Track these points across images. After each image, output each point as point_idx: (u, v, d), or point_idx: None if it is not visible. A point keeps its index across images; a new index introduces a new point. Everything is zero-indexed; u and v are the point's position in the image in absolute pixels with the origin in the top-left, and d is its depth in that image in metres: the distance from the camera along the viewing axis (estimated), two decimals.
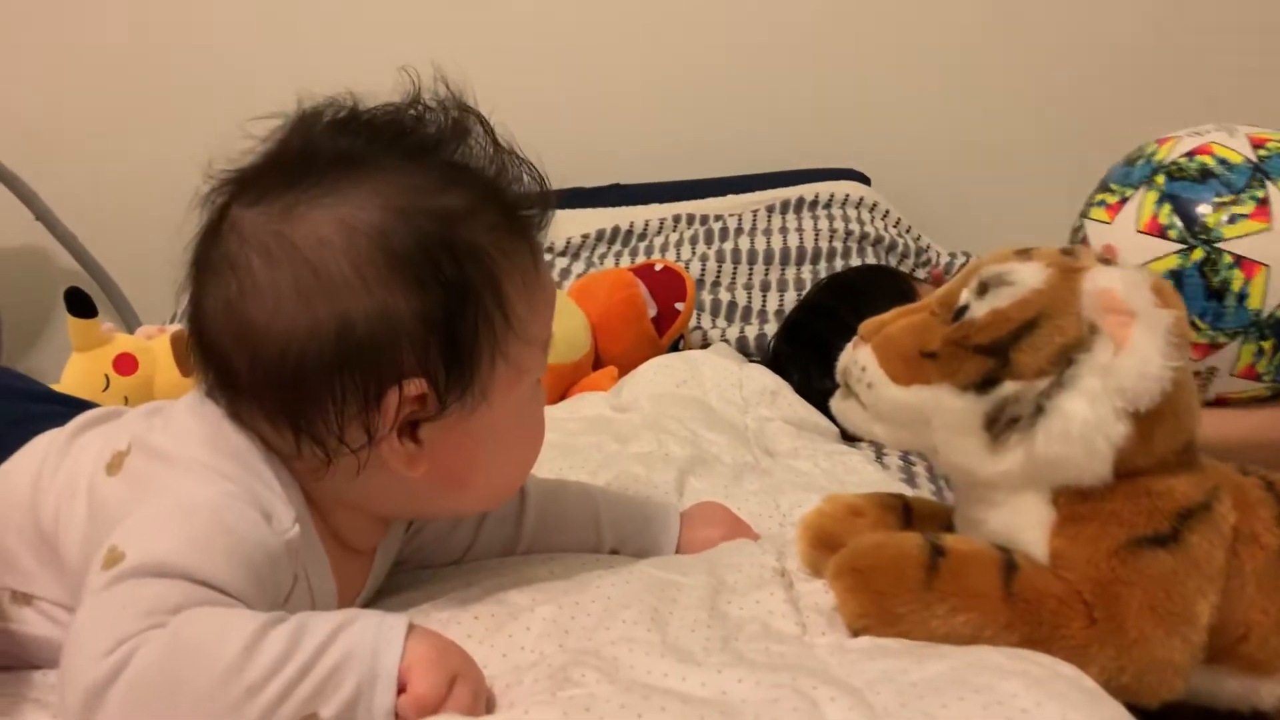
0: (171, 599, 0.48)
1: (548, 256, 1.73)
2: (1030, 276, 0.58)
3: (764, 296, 1.60)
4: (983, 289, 0.59)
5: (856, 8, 1.98)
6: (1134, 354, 0.54)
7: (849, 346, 0.64)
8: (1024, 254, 0.61)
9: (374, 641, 0.48)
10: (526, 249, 0.59)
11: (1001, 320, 0.57)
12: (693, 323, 1.51)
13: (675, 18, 2.02)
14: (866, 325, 0.63)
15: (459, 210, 0.56)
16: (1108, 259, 0.60)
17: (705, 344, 1.49)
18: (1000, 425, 0.57)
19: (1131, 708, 0.53)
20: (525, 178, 0.61)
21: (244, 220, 0.56)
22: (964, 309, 0.60)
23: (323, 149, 0.57)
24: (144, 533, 0.51)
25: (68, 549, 0.58)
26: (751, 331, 1.51)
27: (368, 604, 0.64)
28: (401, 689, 0.48)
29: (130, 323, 2.06)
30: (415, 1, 2.04)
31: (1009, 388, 0.57)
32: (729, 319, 1.56)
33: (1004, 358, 0.57)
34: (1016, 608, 0.55)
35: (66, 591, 0.57)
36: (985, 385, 0.57)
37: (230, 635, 0.46)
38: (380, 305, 0.54)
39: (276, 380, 0.55)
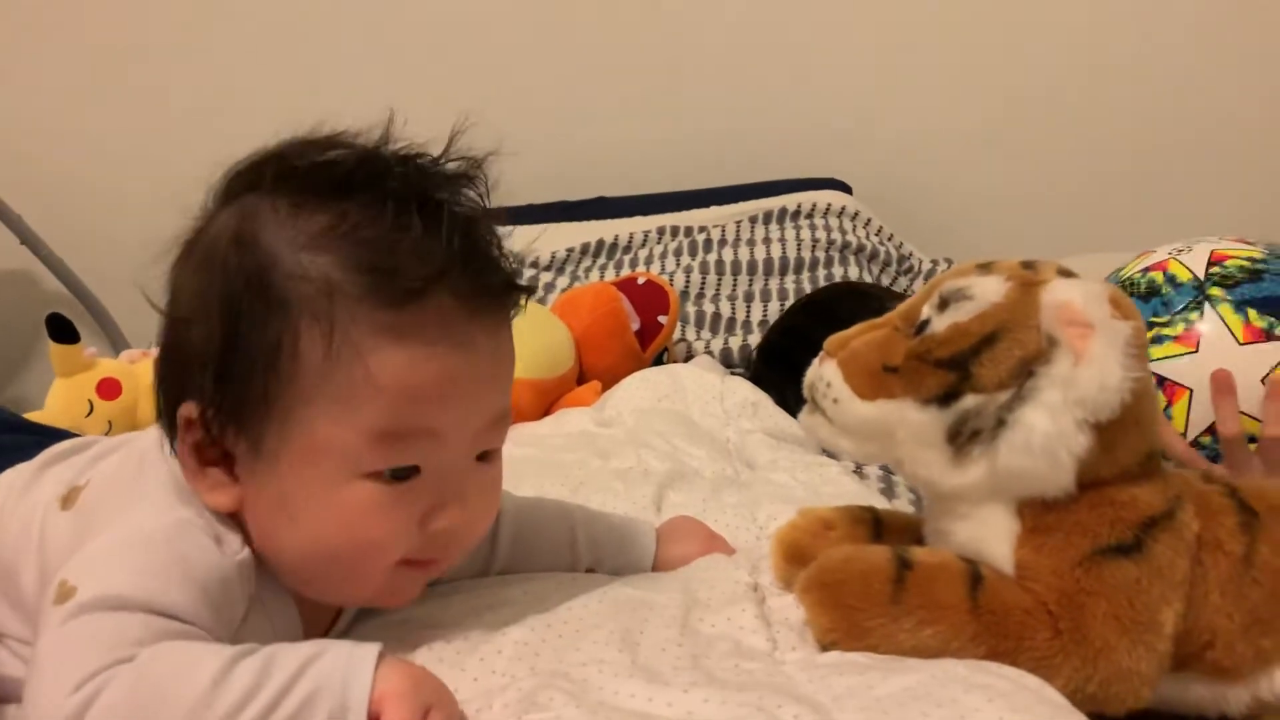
0: (133, 631, 0.48)
1: (530, 271, 1.74)
2: (989, 290, 0.59)
3: (748, 307, 1.61)
4: (943, 303, 0.60)
5: (837, 18, 1.99)
6: (1093, 365, 0.54)
7: (815, 362, 0.65)
8: (985, 268, 0.61)
9: (344, 673, 0.48)
10: (384, 324, 0.52)
11: (961, 334, 0.58)
12: (677, 334, 1.52)
13: (657, 32, 2.03)
14: (831, 341, 0.64)
15: (291, 259, 0.53)
16: (1068, 272, 0.61)
17: (689, 356, 1.49)
18: (962, 438, 0.57)
19: (1099, 718, 0.54)
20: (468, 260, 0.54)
21: None
22: (925, 323, 0.60)
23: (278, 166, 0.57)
24: (97, 566, 0.51)
25: (25, 584, 0.58)
26: (735, 343, 1.52)
27: (344, 633, 0.64)
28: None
29: (119, 346, 2.06)
30: (398, 19, 2.05)
31: (970, 401, 0.57)
32: (713, 330, 1.57)
33: (965, 371, 0.57)
34: (983, 620, 0.55)
35: (30, 629, 0.58)
36: (947, 399, 0.58)
37: (198, 669, 0.46)
38: (184, 319, 0.55)
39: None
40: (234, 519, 0.57)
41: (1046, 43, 1.96)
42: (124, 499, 0.58)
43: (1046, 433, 0.55)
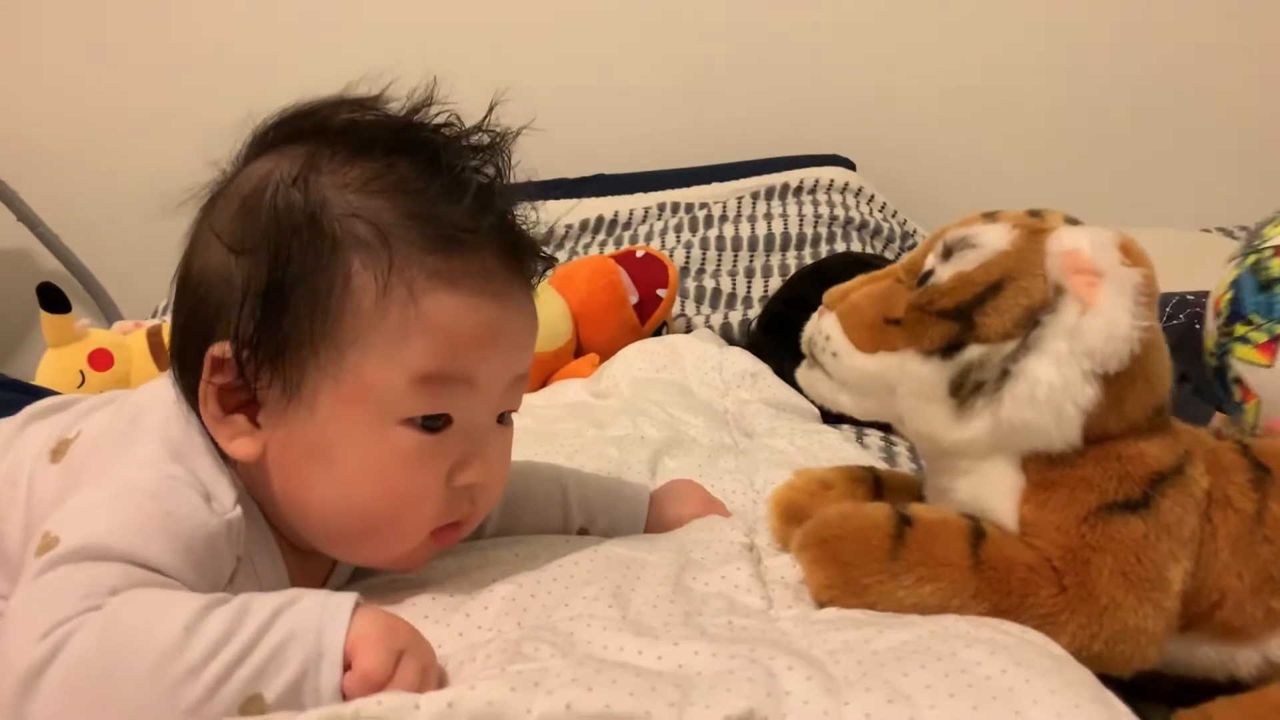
0: (108, 581, 0.46)
1: None
2: (995, 238, 0.57)
3: (749, 283, 1.59)
4: (947, 252, 0.58)
5: None
6: (1101, 314, 0.53)
7: (814, 316, 0.63)
8: (990, 216, 0.59)
9: (319, 620, 0.47)
10: (435, 268, 0.53)
11: (966, 283, 0.56)
12: (676, 309, 1.50)
13: (658, 7, 2.01)
14: (831, 293, 0.62)
15: (342, 200, 0.53)
16: (1075, 221, 0.59)
17: (689, 331, 1.48)
18: (966, 390, 0.56)
19: (1107, 680, 0.52)
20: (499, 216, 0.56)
21: None
22: (929, 274, 0.58)
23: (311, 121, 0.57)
24: (81, 517, 0.50)
25: (9, 539, 0.57)
26: (735, 317, 1.50)
27: None
28: (348, 666, 0.46)
29: (114, 321, 2.04)
30: None
31: (974, 352, 0.55)
32: (713, 305, 1.55)
33: (969, 321, 0.55)
34: (985, 576, 0.54)
35: (9, 583, 0.56)
36: (950, 350, 0.56)
37: (170, 616, 0.45)
38: (220, 260, 0.54)
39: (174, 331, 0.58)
40: (239, 475, 0.56)
41: (1055, 17, 1.94)
42: (113, 453, 0.56)
43: (1052, 384, 0.53)
